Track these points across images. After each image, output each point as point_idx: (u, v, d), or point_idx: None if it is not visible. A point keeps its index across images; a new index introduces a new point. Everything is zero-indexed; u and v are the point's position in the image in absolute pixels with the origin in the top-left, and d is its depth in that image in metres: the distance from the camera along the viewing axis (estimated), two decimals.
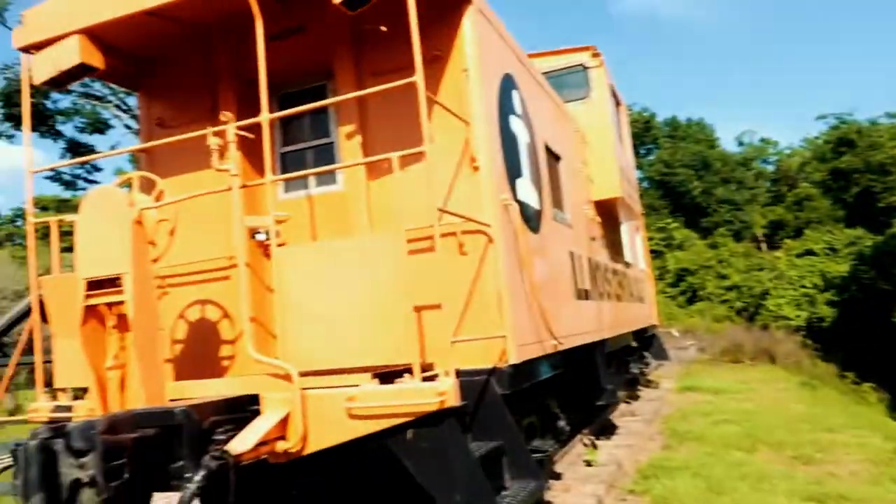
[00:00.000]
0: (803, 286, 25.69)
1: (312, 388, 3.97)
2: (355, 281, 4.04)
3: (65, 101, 25.14)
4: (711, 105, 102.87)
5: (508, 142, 5.45)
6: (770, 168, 58.84)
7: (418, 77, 4.00)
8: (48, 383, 5.08)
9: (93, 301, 4.33)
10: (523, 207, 5.55)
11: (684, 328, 25.62)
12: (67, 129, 25.92)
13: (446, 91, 5.05)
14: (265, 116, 4.36)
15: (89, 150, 24.07)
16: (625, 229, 11.81)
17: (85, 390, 4.69)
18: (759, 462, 7.75)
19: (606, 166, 8.88)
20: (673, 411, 12.08)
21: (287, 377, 3.89)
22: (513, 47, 6.06)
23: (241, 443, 3.50)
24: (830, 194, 43.60)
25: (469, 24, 5.05)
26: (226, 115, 4.24)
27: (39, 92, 24.02)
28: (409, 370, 3.85)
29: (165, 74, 6.01)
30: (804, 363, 19.49)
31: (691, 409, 12.05)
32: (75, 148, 24.80)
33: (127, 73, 6.01)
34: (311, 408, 3.91)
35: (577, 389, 7.62)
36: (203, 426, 3.72)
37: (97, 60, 5.04)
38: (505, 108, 5.52)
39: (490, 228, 4.75)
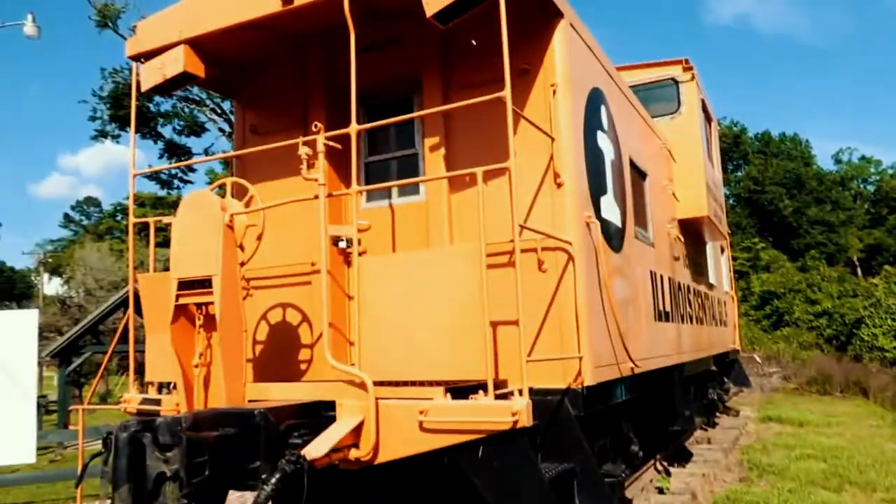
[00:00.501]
0: None
1: (387, 399, 4.01)
2: (432, 293, 4.06)
3: (165, 105, 26.39)
4: (807, 120, 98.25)
5: (594, 158, 5.35)
6: (870, 188, 55.66)
7: (507, 92, 3.99)
8: (140, 373, 5.35)
9: (183, 300, 4.53)
10: (606, 225, 5.44)
11: (768, 354, 24.49)
12: (166, 130, 27.18)
13: (533, 105, 5.02)
14: (354, 127, 4.45)
15: (185, 151, 25.28)
16: (710, 249, 11.42)
17: (172, 385, 4.91)
18: None
19: (693, 184, 8.60)
20: (753, 441, 11.57)
21: (362, 385, 3.94)
22: (602, 61, 5.97)
23: (316, 448, 3.56)
24: None
25: (559, 38, 5.00)
26: (316, 126, 4.34)
27: (143, 96, 25.39)
28: (483, 386, 3.83)
29: (261, 83, 6.23)
30: None
31: (773, 440, 11.51)
32: (173, 149, 26.07)
33: (225, 81, 6.27)
34: (384, 418, 3.94)
35: (651, 413, 7.39)
36: (280, 429, 3.82)
37: (199, 69, 5.28)
38: (592, 124, 5.43)
39: (571, 246, 4.68)
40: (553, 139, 4.82)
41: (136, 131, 25.21)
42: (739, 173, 51.48)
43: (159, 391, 5.05)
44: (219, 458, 3.45)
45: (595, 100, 5.59)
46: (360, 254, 5.46)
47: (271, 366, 5.76)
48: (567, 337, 4.67)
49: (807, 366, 21.85)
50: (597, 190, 5.33)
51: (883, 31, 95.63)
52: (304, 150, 4.30)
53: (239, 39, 5.52)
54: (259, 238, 4.79)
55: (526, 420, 3.63)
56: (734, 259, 37.75)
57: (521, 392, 3.75)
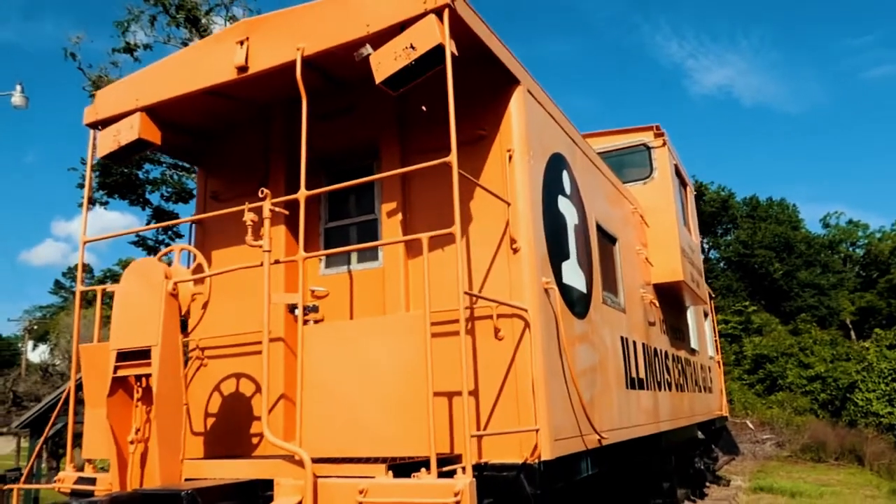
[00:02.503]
0: (895, 380, 23.75)
1: (326, 477, 3.78)
2: (376, 363, 3.90)
3: (154, 172, 26.56)
4: (793, 184, 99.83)
5: (554, 223, 5.28)
6: (859, 252, 55.99)
7: (452, 157, 3.93)
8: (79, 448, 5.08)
9: (122, 372, 4.34)
10: (567, 291, 5.32)
11: (761, 420, 24.00)
12: (154, 197, 27.26)
13: (490, 170, 4.97)
14: (302, 193, 4.37)
15: (171, 217, 25.28)
16: (691, 314, 11.28)
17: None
18: None
19: (668, 248, 8.54)
20: None
21: (301, 462, 3.72)
22: (565, 127, 5.97)
23: None
24: None
25: (516, 104, 5.00)
26: (262, 192, 4.26)
27: (132, 163, 25.57)
28: (427, 463, 3.62)
29: (223, 150, 6.21)
30: None
31: None
32: (160, 215, 26.10)
33: (187, 148, 6.25)
34: (322, 498, 3.70)
35: (628, 487, 7.09)
36: None
37: (155, 136, 5.24)
38: (552, 189, 5.38)
39: (527, 313, 4.54)
40: (509, 204, 4.75)
41: (124, 197, 24.85)
42: (729, 237, 51.77)
43: (100, 470, 4.79)
44: None
45: (556, 165, 5.56)
46: (316, 321, 5.32)
47: (224, 439, 5.52)
48: (524, 408, 4.48)
49: (801, 432, 21.38)
50: (557, 255, 5.23)
51: (854, 102, 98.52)
52: (248, 217, 4.21)
53: (200, 107, 5.52)
54: (204, 307, 4.64)
55: (469, 500, 3.40)
56: (726, 322, 37.63)
57: (464, 470, 3.52)
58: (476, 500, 3.46)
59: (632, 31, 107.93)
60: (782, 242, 48.24)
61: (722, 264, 50.59)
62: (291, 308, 5.37)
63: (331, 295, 5.56)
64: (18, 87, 16.20)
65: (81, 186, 25.67)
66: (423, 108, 5.05)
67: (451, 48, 4.03)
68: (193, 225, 6.23)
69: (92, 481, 4.58)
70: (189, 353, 5.96)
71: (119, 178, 24.21)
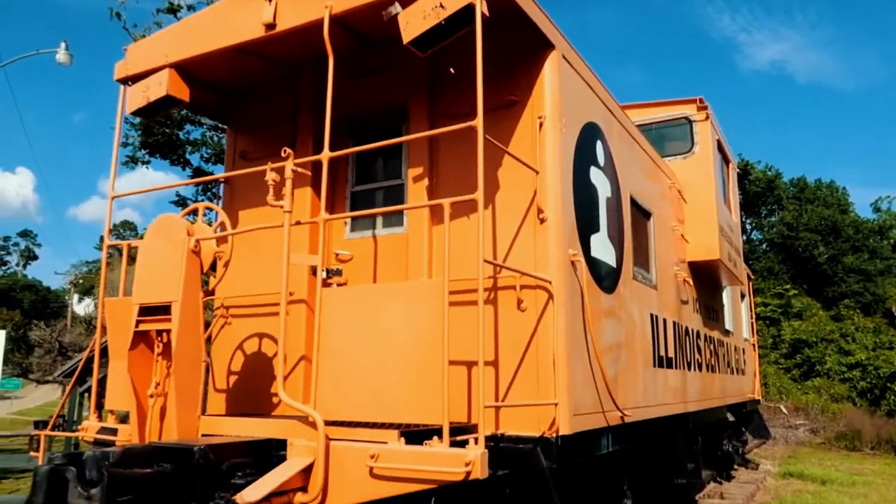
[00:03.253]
0: None
1: (339, 440, 3.77)
2: (392, 329, 3.84)
3: (195, 133, 26.89)
4: (843, 167, 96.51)
5: (584, 195, 5.12)
6: None
7: (478, 121, 3.80)
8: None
9: (144, 327, 4.37)
10: (595, 265, 5.18)
11: (795, 405, 23.54)
12: (195, 158, 27.65)
13: (520, 138, 4.83)
14: (326, 154, 4.31)
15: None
16: (727, 295, 11.01)
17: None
18: None
19: (705, 226, 8.28)
20: (769, 499, 10.97)
21: (314, 424, 3.71)
22: (601, 95, 5.76)
23: (251, 492, 3.32)
24: None
25: (550, 70, 4.82)
26: (285, 151, 4.20)
27: (174, 123, 25.88)
28: (440, 432, 3.57)
29: (253, 109, 6.16)
30: None
31: (790, 498, 10.90)
32: (200, 176, 26.45)
33: (218, 107, 6.21)
34: (334, 460, 3.70)
35: (651, 465, 6.99)
36: (222, 468, 3.60)
37: (183, 93, 5.21)
38: (584, 159, 5.21)
39: (551, 285, 4.42)
40: (537, 172, 4.61)
41: (165, 157, 25.29)
42: (773, 218, 50.37)
43: (121, 421, 4.88)
44: (148, 498, 3.23)
45: (589, 134, 5.38)
46: (339, 285, 5.29)
47: (245, 397, 5.57)
48: (544, 381, 4.39)
49: (836, 419, 20.91)
50: (586, 227, 5.08)
51: None
52: (270, 176, 4.16)
53: (229, 65, 5.46)
54: (226, 265, 4.64)
55: (480, 471, 3.35)
56: (765, 305, 36.81)
57: (477, 441, 3.46)
58: (487, 472, 3.41)
59: (683, 2, 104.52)
60: (829, 226, 46.75)
61: (764, 246, 49.32)
62: (314, 270, 5.34)
63: (355, 259, 5.51)
64: (63, 45, 16.40)
65: (124, 145, 26.15)
66: (452, 70, 4.90)
67: (482, 8, 3.87)
68: (222, 184, 6.23)
69: (113, 431, 4.67)
70: (214, 311, 6.01)
71: (160, 137, 24.54)
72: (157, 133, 25.36)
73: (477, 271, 4.04)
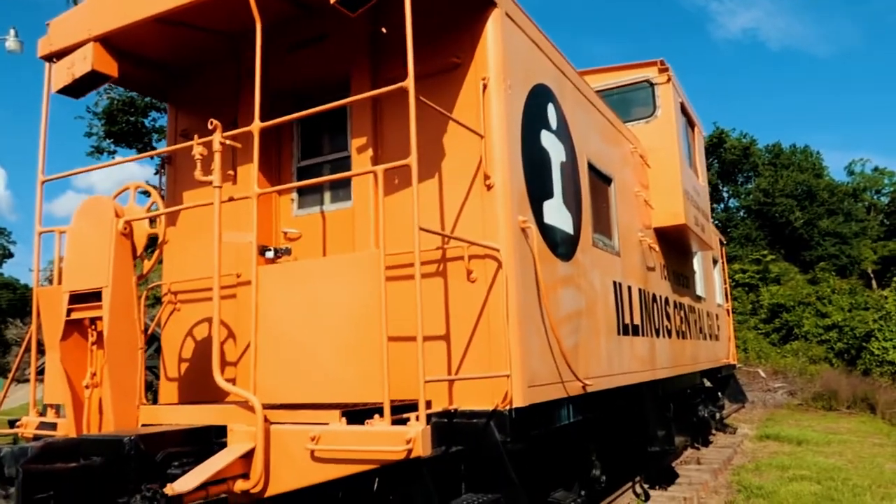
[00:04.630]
0: None
1: (280, 423, 3.61)
2: (331, 305, 3.66)
3: (162, 120, 26.45)
4: (818, 132, 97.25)
5: (535, 159, 4.95)
6: (884, 200, 54.68)
7: (409, 82, 3.60)
8: None
9: (75, 315, 4.16)
10: (550, 231, 5.02)
11: (774, 368, 23.77)
12: (162, 145, 27.27)
13: (464, 101, 4.64)
14: (256, 125, 4.09)
15: None
16: (697, 261, 10.94)
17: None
18: None
19: (670, 191, 8.15)
20: (746, 461, 11.01)
21: (251, 408, 3.54)
22: (551, 56, 5.57)
23: (184, 482, 3.15)
24: None
25: (492, 29, 4.62)
26: (212, 123, 3.98)
27: (138, 110, 25.29)
28: (381, 410, 3.41)
29: (193, 84, 5.90)
30: None
31: (767, 460, 10.94)
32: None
33: (153, 83, 5.94)
34: (274, 445, 3.54)
35: (622, 434, 6.92)
36: (157, 458, 3.42)
37: (111, 68, 4.94)
38: (534, 122, 5.03)
39: (499, 253, 4.26)
40: (482, 137, 4.43)
41: (130, 146, 24.74)
42: (749, 185, 50.64)
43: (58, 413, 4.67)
44: (70, 494, 3.05)
45: (540, 97, 5.20)
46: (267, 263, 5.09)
47: (196, 385, 5.38)
48: (497, 353, 4.25)
49: (814, 381, 21.14)
50: (538, 193, 4.91)
51: (889, 41, 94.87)
52: (197, 150, 3.94)
53: (160, 37, 5.19)
54: (160, 247, 4.42)
55: (422, 449, 3.20)
56: (743, 272, 37.09)
57: (418, 417, 3.31)
58: (430, 448, 3.26)
59: None
60: (804, 191, 47.12)
61: (742, 213, 49.69)
62: (262, 250, 5.14)
63: (304, 237, 5.32)
64: (12, 32, 15.89)
65: (88, 135, 25.60)
66: (383, 29, 4.69)
67: None
68: (165, 164, 5.98)
69: (53, 426, 4.46)
70: (162, 297, 5.80)
71: (125, 126, 24.02)
72: (121, 121, 24.81)
73: (422, 242, 3.87)
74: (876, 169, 56.60)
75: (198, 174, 3.95)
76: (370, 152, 4.89)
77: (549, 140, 5.23)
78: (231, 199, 4.25)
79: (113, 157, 27.19)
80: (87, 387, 4.12)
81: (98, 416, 4.15)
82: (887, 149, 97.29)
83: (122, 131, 25.55)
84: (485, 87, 4.51)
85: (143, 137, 25.24)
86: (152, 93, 6.46)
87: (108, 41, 4.91)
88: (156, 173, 25.72)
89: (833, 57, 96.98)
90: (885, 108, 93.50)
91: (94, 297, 4.12)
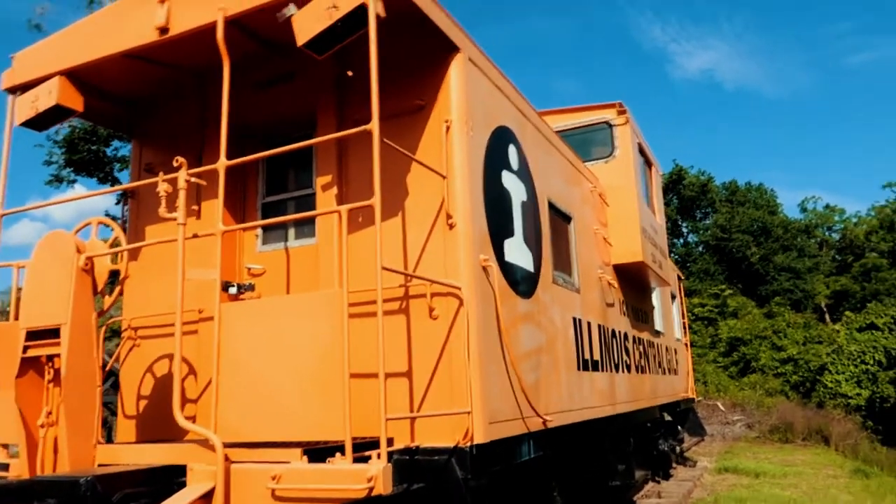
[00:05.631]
0: (864, 362, 23.95)
1: (241, 462, 3.59)
2: (294, 343, 3.69)
3: (124, 150, 26.11)
4: (773, 169, 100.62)
5: (496, 199, 5.08)
6: (835, 236, 56.54)
7: (374, 125, 3.70)
8: None
9: (32, 352, 4.10)
10: (510, 270, 5.13)
11: (733, 401, 24.17)
12: (125, 175, 26.87)
13: (428, 142, 4.75)
14: (222, 163, 4.14)
15: None
16: (656, 296, 11.19)
17: None
18: None
19: (628, 229, 8.37)
20: (705, 495, 11.15)
21: (211, 447, 3.52)
22: (513, 99, 5.75)
23: None
24: None
25: (455, 73, 4.77)
26: (177, 161, 4.02)
27: (100, 139, 24.93)
28: (343, 448, 3.43)
29: (156, 119, 5.92)
30: (862, 447, 17.92)
31: (725, 493, 11.10)
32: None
33: (118, 117, 5.95)
34: (235, 484, 3.52)
35: (583, 469, 6.98)
36: (113, 499, 3.37)
37: (76, 103, 4.95)
38: (496, 163, 5.17)
39: (461, 291, 4.35)
40: (444, 177, 4.54)
41: (91, 175, 24.27)
42: (708, 221, 51.91)
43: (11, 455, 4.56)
44: None
45: (501, 138, 5.35)
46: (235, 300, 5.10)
47: (157, 422, 5.30)
48: (458, 390, 4.30)
49: (770, 413, 21.55)
50: (499, 232, 5.03)
51: (834, 87, 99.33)
52: (162, 188, 3.97)
53: (126, 71, 5.22)
54: (122, 283, 4.40)
55: (383, 486, 3.23)
56: (702, 306, 37.79)
57: (379, 455, 3.34)
58: (391, 486, 3.29)
59: (616, 12, 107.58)
60: (760, 227, 48.49)
61: (700, 248, 50.81)
62: (225, 285, 5.14)
63: (268, 273, 5.34)
64: None
65: (48, 163, 25.13)
66: (349, 73, 4.81)
67: (376, 9, 3.79)
68: (128, 198, 5.96)
69: (5, 467, 4.35)
70: (122, 333, 5.73)
71: (86, 155, 23.66)
72: (82, 150, 24.42)
73: (385, 280, 3.93)
74: (827, 206, 58.62)
75: (162, 211, 3.96)
76: (335, 190, 4.96)
77: (510, 180, 5.37)
78: (195, 236, 4.26)
79: (73, 187, 26.71)
80: (42, 426, 4.04)
81: (53, 455, 4.06)
82: (837, 187, 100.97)
83: (83, 160, 25.11)
84: (448, 129, 4.64)
85: (105, 167, 24.86)
86: (116, 126, 6.46)
87: (74, 75, 4.92)
88: (117, 203, 25.25)
89: (785, 98, 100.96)
90: (834, 148, 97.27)
91: (52, 333, 4.07)
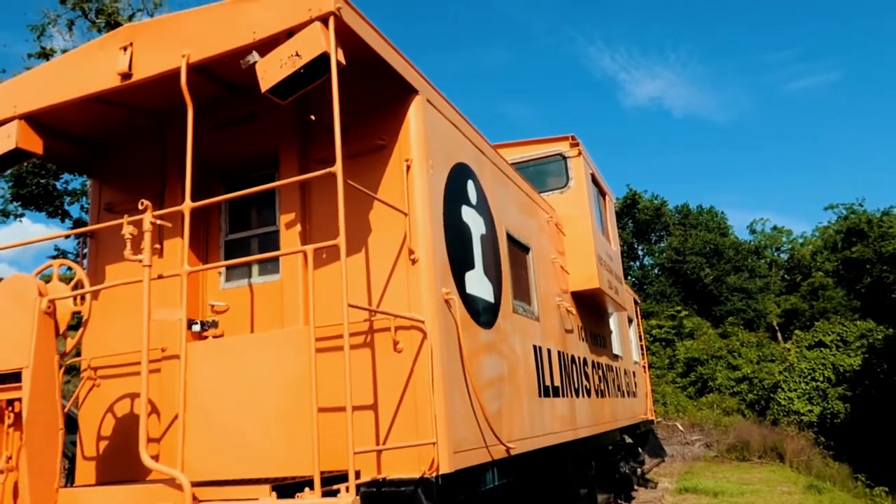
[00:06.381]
0: (814, 379, 24.73)
1: (208, 502, 3.62)
2: (261, 381, 3.76)
3: (75, 182, 25.60)
4: (723, 192, 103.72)
5: (457, 233, 5.24)
6: (783, 256, 58.42)
7: (338, 167, 3.84)
8: None
9: None
10: (472, 301, 5.29)
11: (692, 421, 24.64)
12: (75, 209, 26.29)
13: (389, 181, 4.90)
14: (187, 205, 4.21)
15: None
16: (613, 321, 11.46)
17: None
18: None
19: (584, 256, 8.64)
20: None
21: (179, 486, 3.55)
22: (470, 136, 5.96)
23: None
24: (844, 284, 42.93)
25: (414, 114, 4.95)
26: (142, 204, 4.08)
27: (49, 172, 24.42)
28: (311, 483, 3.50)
29: (116, 159, 5.95)
30: (815, 462, 18.45)
31: None
32: (81, 227, 25.08)
33: (76, 158, 5.97)
34: None
35: (545, 494, 7.10)
36: None
37: (35, 146, 4.97)
38: (455, 199, 5.35)
39: (424, 324, 4.48)
40: (406, 215, 4.69)
41: (40, 209, 23.65)
42: (662, 244, 53.17)
43: None
44: None
45: (460, 175, 5.54)
46: (215, 337, 5.13)
47: (118, 463, 5.26)
48: (423, 421, 4.40)
49: (728, 432, 22.02)
50: (461, 265, 5.19)
51: (777, 113, 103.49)
52: (127, 230, 4.02)
53: (87, 114, 5.27)
54: (84, 325, 4.40)
55: None
56: (660, 327, 38.51)
57: (348, 489, 3.42)
58: None
59: (566, 42, 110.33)
60: (712, 249, 49.82)
61: (656, 270, 51.92)
62: (188, 323, 5.16)
63: (232, 309, 5.38)
64: None
65: None
66: (312, 116, 4.95)
67: (337, 57, 3.95)
68: (87, 239, 5.95)
69: None
70: (81, 374, 5.68)
71: (34, 188, 23.18)
72: (31, 184, 23.91)
73: (351, 315, 4.04)
74: (775, 228, 60.62)
75: (127, 253, 4.01)
76: (298, 227, 5.06)
77: (469, 215, 5.55)
78: (160, 277, 4.31)
79: (20, 221, 26.07)
80: (1, 471, 4.00)
81: (13, 501, 4.02)
82: (784, 208, 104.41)
83: (31, 194, 24.54)
84: (408, 167, 4.80)
85: (55, 200, 24.35)
86: (75, 167, 6.47)
87: (34, 119, 4.95)
88: (67, 237, 24.65)
89: (730, 123, 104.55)
90: (779, 170, 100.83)
91: (13, 377, 4.05)
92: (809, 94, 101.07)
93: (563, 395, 7.45)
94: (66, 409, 5.51)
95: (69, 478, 7.11)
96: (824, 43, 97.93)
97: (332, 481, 3.65)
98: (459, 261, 5.19)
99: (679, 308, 43.07)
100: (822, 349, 26.00)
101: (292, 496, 3.53)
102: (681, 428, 23.49)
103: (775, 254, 59.30)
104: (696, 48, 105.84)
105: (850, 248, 42.21)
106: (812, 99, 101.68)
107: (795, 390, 24.98)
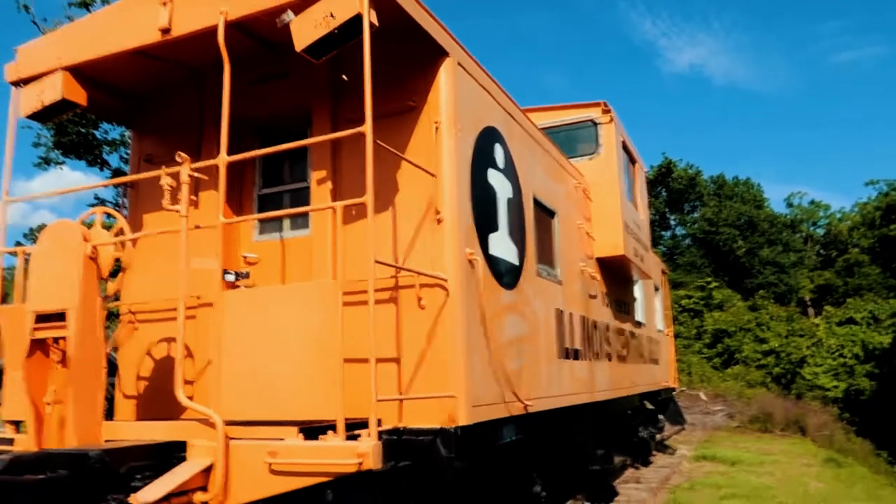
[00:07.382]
0: (842, 356, 24.50)
1: (239, 439, 3.85)
2: (291, 330, 3.95)
3: (114, 132, 25.98)
4: (760, 164, 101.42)
5: (483, 195, 5.34)
6: (820, 231, 57.27)
7: (367, 127, 3.95)
8: None
9: (40, 334, 4.33)
10: (495, 262, 5.40)
11: (715, 392, 24.67)
12: (114, 159, 26.74)
13: (418, 142, 5.00)
14: (223, 159, 4.37)
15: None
16: (638, 289, 11.50)
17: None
18: None
19: (610, 224, 8.67)
20: (682, 481, 11.53)
21: (214, 425, 3.79)
22: (500, 100, 6.00)
23: (148, 493, 3.38)
24: (880, 262, 42.06)
25: (444, 76, 5.01)
26: (181, 156, 4.25)
27: (89, 121, 24.91)
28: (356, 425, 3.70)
29: (156, 112, 6.13)
30: (837, 437, 18.44)
31: (702, 480, 11.48)
32: (119, 176, 25.60)
33: (118, 110, 6.16)
34: (234, 459, 3.79)
35: (562, 453, 7.30)
36: (120, 471, 3.63)
37: (80, 97, 5.16)
38: (482, 162, 5.43)
39: (447, 283, 4.62)
40: (434, 176, 4.79)
41: (80, 158, 24.21)
42: (695, 214, 52.45)
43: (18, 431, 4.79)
44: None
45: (488, 138, 5.60)
46: (247, 287, 5.35)
47: (156, 402, 5.56)
48: (443, 375, 4.58)
49: (751, 404, 22.04)
50: (485, 227, 5.30)
51: (821, 85, 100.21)
52: (165, 181, 4.20)
53: (128, 68, 5.43)
54: (124, 271, 4.63)
55: (373, 462, 3.50)
56: (689, 298, 38.29)
57: (369, 434, 3.61)
58: (380, 463, 3.57)
59: (607, 7, 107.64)
60: (746, 221, 49.03)
61: (688, 241, 51.33)
62: (223, 274, 5.37)
63: (263, 261, 5.58)
64: None
65: (36, 145, 25.08)
66: (344, 76, 5.04)
67: (370, 18, 4.02)
68: (127, 188, 6.18)
69: (10, 441, 4.59)
70: (120, 317, 5.96)
71: (75, 137, 23.64)
72: (72, 132, 24.38)
73: (376, 272, 4.19)
74: (812, 202, 59.32)
75: (165, 203, 4.20)
76: (329, 185, 5.21)
77: (496, 178, 5.64)
78: (197, 227, 4.50)
79: (61, 168, 26.66)
80: (48, 403, 4.28)
81: (59, 431, 4.31)
82: (823, 183, 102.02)
83: (72, 142, 25.03)
84: (437, 129, 4.89)
85: (94, 149, 24.83)
86: (116, 119, 6.67)
87: (78, 70, 5.13)
88: (118, 191, 25.17)
89: (772, 95, 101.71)
90: (820, 145, 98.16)
91: (59, 317, 4.30)
92: (854, 68, 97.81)
93: (583, 359, 7.59)
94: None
95: (108, 416, 7.50)
96: (871, 16, 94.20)
97: (354, 427, 3.85)
98: (484, 223, 5.30)
99: (709, 279, 42.66)
100: (853, 326, 25.69)
101: (317, 438, 3.75)
102: (703, 398, 23.57)
103: (811, 228, 58.14)
104: (741, 16, 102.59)
105: (889, 226, 41.18)
106: (857, 72, 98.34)
107: (822, 365, 24.81)
